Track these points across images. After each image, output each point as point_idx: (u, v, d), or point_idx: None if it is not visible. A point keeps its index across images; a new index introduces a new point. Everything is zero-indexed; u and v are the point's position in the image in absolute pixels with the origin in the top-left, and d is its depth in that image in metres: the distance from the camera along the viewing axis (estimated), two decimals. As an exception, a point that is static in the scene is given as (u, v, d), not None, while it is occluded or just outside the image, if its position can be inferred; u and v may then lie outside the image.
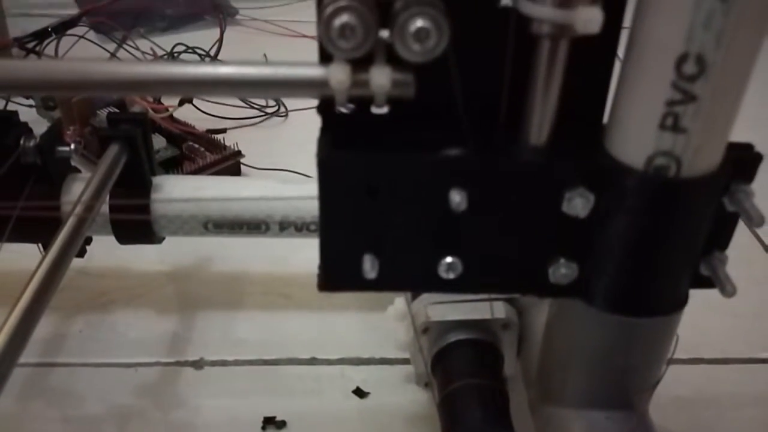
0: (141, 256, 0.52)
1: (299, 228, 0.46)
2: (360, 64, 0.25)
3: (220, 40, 0.84)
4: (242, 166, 0.66)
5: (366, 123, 0.28)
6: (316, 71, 0.26)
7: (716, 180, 0.26)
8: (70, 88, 0.32)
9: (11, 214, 0.40)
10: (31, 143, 0.43)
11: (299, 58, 0.27)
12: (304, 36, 0.94)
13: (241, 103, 0.77)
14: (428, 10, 0.24)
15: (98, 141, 0.44)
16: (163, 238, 0.47)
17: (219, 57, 0.82)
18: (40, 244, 0.45)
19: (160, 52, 0.81)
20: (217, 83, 0.26)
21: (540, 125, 0.26)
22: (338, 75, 0.25)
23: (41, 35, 0.75)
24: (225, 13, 0.97)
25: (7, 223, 0.40)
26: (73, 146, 0.45)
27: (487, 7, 0.25)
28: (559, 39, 0.24)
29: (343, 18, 0.23)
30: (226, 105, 0.73)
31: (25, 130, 0.43)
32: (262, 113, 0.76)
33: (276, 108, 0.77)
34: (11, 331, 0.29)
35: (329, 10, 0.23)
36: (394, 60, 0.25)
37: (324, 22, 0.24)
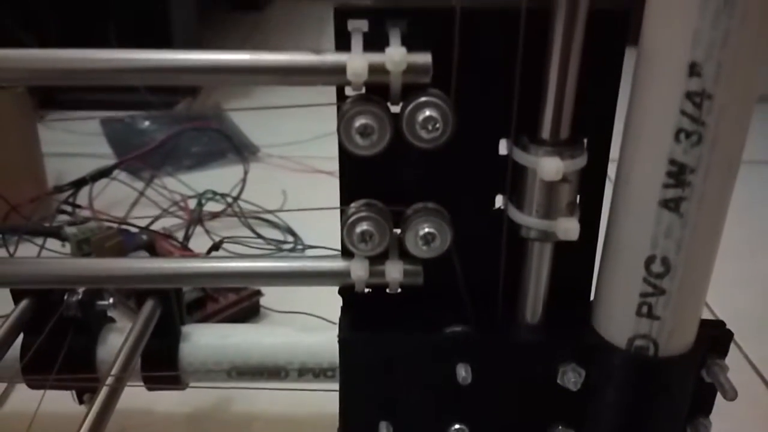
0: (161, 394, 0.54)
1: (317, 374, 0.49)
2: (377, 258, 0.30)
3: (244, 180, 0.90)
4: (262, 307, 0.70)
5: (381, 303, 0.32)
6: (339, 264, 0.30)
7: (690, 358, 0.29)
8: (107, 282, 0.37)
9: (52, 371, 0.43)
10: (74, 299, 0.47)
11: (316, 192, 0.30)
12: (321, 172, 1.01)
13: (260, 242, 0.82)
14: (434, 217, 0.28)
15: (135, 297, 0.48)
16: (188, 385, 0.50)
17: (243, 195, 0.88)
18: (74, 392, 0.48)
19: (187, 191, 0.88)
20: (251, 275, 0.31)
21: (534, 308, 0.30)
22: (358, 271, 0.29)
23: (78, 184, 0.81)
24: (247, 151, 1.05)
25: (48, 372, 0.44)
26: (111, 300, 0.49)
27: (484, 212, 0.30)
28: (545, 242, 0.28)
29: (363, 226, 0.28)
30: (249, 246, 0.78)
31: (69, 285, 0.48)
32: (278, 250, 0.81)
33: (293, 245, 0.82)
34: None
35: (351, 219, 0.28)
36: (405, 252, 0.30)
37: (347, 229, 0.28)
